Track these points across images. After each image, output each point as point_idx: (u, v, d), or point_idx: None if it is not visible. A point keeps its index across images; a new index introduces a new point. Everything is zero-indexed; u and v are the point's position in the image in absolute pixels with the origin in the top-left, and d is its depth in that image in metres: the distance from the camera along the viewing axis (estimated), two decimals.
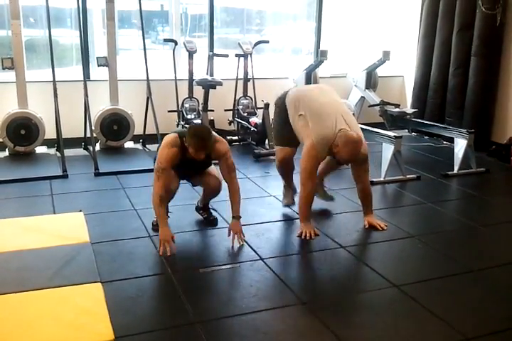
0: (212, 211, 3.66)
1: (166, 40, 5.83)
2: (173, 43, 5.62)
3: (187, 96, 5.69)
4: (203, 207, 3.64)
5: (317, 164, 3.39)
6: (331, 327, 2.41)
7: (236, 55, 5.84)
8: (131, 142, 5.68)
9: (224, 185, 3.38)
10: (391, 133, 4.63)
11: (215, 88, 5.44)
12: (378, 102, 6.11)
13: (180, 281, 2.79)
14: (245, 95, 5.94)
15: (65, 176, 4.56)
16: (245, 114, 5.79)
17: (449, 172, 4.84)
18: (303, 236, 3.35)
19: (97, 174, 4.65)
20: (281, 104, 3.62)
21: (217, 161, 3.29)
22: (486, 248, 3.41)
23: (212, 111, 5.55)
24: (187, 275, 2.89)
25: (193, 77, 5.61)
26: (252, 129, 5.56)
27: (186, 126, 5.25)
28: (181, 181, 3.39)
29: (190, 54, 5.60)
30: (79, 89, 5.22)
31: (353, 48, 6.68)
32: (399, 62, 6.76)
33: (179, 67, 5.75)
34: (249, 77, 5.90)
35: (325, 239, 3.40)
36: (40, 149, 5.36)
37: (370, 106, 6.20)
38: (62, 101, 5.13)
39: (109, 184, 4.43)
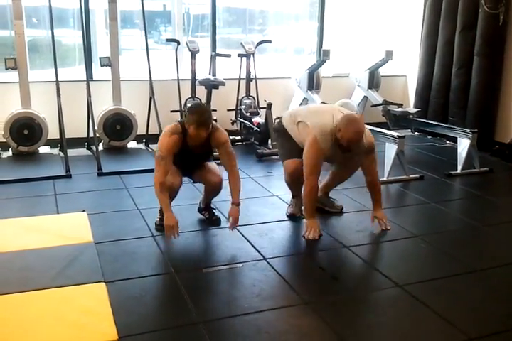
0: (214, 211, 3.66)
1: (168, 40, 5.83)
2: (176, 43, 5.63)
3: (190, 96, 5.69)
4: (205, 207, 3.65)
5: (321, 158, 3.32)
6: (334, 327, 2.41)
7: (238, 55, 5.84)
8: (134, 142, 5.69)
9: (225, 184, 3.39)
10: (394, 133, 4.62)
11: (217, 88, 5.45)
12: (381, 102, 6.10)
13: (183, 281, 2.79)
14: (248, 95, 5.94)
15: (68, 176, 4.57)
16: (248, 114, 5.78)
17: (452, 172, 4.83)
18: (306, 237, 3.34)
19: (100, 174, 4.65)
20: (279, 127, 3.70)
21: (217, 153, 3.35)
22: (490, 248, 3.41)
23: (215, 110, 5.53)
24: (190, 275, 2.89)
25: (196, 77, 5.61)
26: (254, 129, 5.56)
27: None
28: (183, 182, 3.40)
29: (193, 54, 5.60)
30: (82, 89, 5.23)
31: (356, 48, 6.67)
32: (402, 62, 6.76)
33: (182, 67, 5.76)
34: (251, 76, 5.90)
35: (328, 238, 3.40)
36: (44, 149, 5.37)
37: (373, 105, 6.20)
38: (65, 102, 5.15)
39: (112, 184, 4.43)
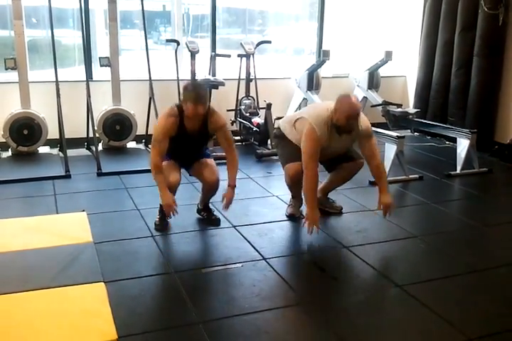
0: (213, 211, 3.66)
1: (168, 41, 5.83)
2: (176, 43, 5.62)
3: None
4: (204, 208, 3.65)
5: (318, 147, 3.31)
6: (333, 328, 2.41)
7: (238, 56, 5.84)
8: (134, 142, 5.69)
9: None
10: (393, 133, 4.63)
11: (217, 88, 5.45)
12: (381, 102, 6.10)
13: (182, 281, 2.80)
14: (247, 95, 5.94)
15: (67, 176, 4.57)
16: (248, 114, 5.78)
17: (452, 173, 4.83)
18: (306, 228, 3.28)
19: (100, 174, 4.66)
20: (279, 133, 3.72)
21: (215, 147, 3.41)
22: (489, 248, 3.41)
23: None
24: (190, 275, 2.89)
25: (196, 78, 5.61)
26: (254, 129, 5.56)
27: None
28: (181, 182, 3.40)
29: (193, 54, 5.59)
30: (81, 89, 5.23)
31: (355, 48, 6.68)
32: (401, 62, 6.76)
33: (181, 68, 5.76)
34: (251, 77, 5.90)
35: (328, 239, 3.40)
36: (43, 149, 5.37)
37: (373, 106, 6.20)
38: (64, 102, 5.15)
39: (112, 184, 4.43)
